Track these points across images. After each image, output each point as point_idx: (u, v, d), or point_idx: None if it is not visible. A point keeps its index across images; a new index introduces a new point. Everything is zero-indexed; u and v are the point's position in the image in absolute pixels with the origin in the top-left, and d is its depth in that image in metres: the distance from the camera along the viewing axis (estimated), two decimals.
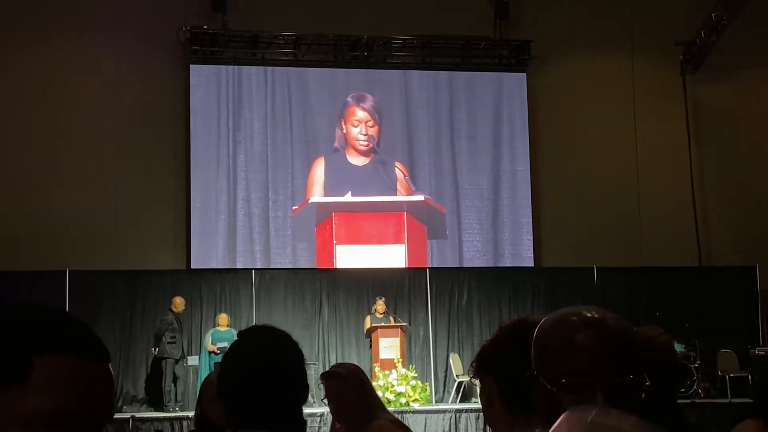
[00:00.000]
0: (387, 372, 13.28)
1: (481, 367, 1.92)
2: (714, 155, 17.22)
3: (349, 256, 15.63)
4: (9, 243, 14.67)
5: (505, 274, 15.93)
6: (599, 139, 16.80)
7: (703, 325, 14.98)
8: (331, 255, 15.61)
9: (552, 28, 16.73)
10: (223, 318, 14.12)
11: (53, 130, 15.33)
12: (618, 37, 17.04)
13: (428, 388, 13.94)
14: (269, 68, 16.08)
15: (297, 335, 2.34)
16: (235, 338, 2.33)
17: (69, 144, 15.33)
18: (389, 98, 16.34)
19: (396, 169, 16.05)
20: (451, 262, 16.05)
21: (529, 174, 16.45)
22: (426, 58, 16.69)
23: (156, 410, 13.72)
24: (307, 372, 2.28)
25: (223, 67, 15.90)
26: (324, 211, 15.71)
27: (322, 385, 4.02)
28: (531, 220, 16.35)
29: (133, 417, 12.55)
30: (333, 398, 3.95)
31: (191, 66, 15.76)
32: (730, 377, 14.45)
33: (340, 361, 12.75)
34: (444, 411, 13.14)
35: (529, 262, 16.26)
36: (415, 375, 13.61)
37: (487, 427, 1.96)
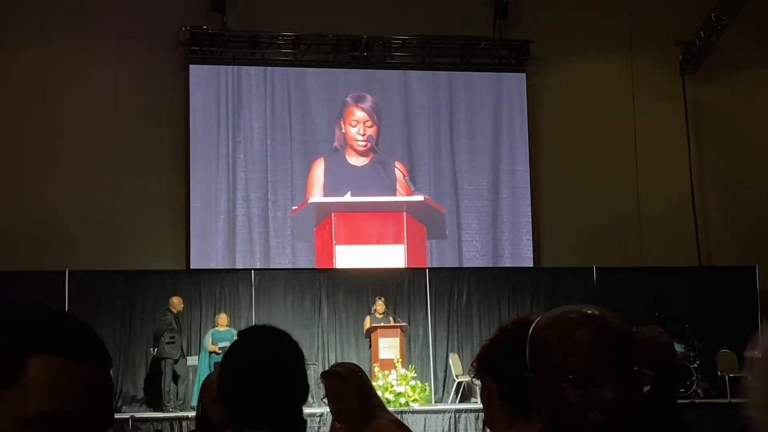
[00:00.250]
0: (386, 372, 13.28)
1: (481, 367, 1.93)
2: (713, 155, 17.23)
3: (349, 257, 15.63)
4: (8, 243, 14.67)
5: (505, 274, 15.92)
6: (599, 139, 16.80)
7: (702, 325, 14.98)
8: (330, 255, 15.61)
9: (551, 28, 16.74)
10: (223, 318, 14.11)
11: (53, 130, 15.33)
12: (617, 37, 17.04)
13: (428, 388, 13.93)
14: (269, 68, 16.08)
15: (296, 335, 2.34)
16: (235, 338, 2.33)
17: (68, 144, 15.33)
18: (389, 98, 16.34)
19: (396, 169, 16.05)
20: (450, 262, 16.05)
21: (528, 174, 16.45)
22: (425, 58, 16.69)
23: (155, 410, 13.72)
24: (307, 372, 2.28)
25: (223, 67, 15.90)
26: (323, 211, 15.71)
27: (322, 385, 4.02)
28: (530, 220, 16.36)
29: (132, 417, 12.55)
30: (333, 398, 3.95)
31: (191, 66, 15.76)
32: (729, 377, 14.44)
33: (339, 361, 12.75)
34: (443, 411, 13.14)
35: (529, 262, 16.26)
36: (415, 375, 13.61)
37: (486, 428, 1.96)
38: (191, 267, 15.29)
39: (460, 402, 14.27)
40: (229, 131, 15.74)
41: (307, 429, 2.25)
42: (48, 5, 15.42)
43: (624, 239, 16.55)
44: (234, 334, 12.39)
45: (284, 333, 2.25)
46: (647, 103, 17.03)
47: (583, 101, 16.85)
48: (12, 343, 1.06)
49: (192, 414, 12.01)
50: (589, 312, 1.49)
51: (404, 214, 15.80)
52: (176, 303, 14.05)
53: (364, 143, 16.06)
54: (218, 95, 15.77)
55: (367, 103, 16.22)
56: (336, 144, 16.05)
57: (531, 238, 16.33)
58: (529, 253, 16.29)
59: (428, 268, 15.71)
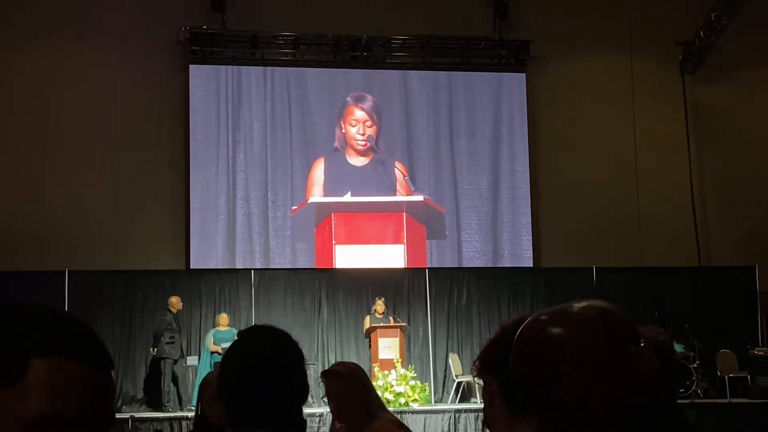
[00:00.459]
0: (386, 372, 13.28)
1: (483, 366, 1.93)
2: (713, 155, 17.23)
3: (349, 256, 15.63)
4: (8, 243, 14.67)
5: (505, 274, 15.92)
6: (599, 139, 16.80)
7: (702, 325, 14.98)
8: (330, 255, 15.61)
9: (551, 28, 16.73)
10: (224, 318, 14.11)
11: (53, 130, 15.33)
12: (617, 37, 17.04)
13: (427, 388, 13.93)
14: (269, 68, 16.07)
15: (296, 335, 2.34)
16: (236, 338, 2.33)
17: (68, 144, 15.33)
18: (388, 98, 16.34)
19: (396, 169, 16.05)
20: (450, 263, 16.05)
21: (528, 174, 16.45)
22: (425, 58, 16.69)
23: (155, 410, 13.72)
24: (307, 372, 2.28)
25: (223, 67, 15.90)
26: (323, 211, 15.71)
27: (322, 384, 4.02)
28: (530, 220, 16.35)
29: (132, 417, 12.56)
30: (333, 397, 3.95)
31: (191, 66, 15.76)
32: (729, 377, 14.46)
33: (339, 360, 12.75)
34: (443, 411, 13.14)
35: (529, 262, 16.26)
36: (415, 375, 13.61)
37: (485, 428, 1.96)
38: (191, 267, 15.29)
39: (459, 402, 14.27)
40: (229, 131, 15.74)
41: (307, 429, 2.25)
42: (48, 5, 15.42)
43: (624, 239, 16.55)
44: (235, 334, 12.39)
45: (284, 333, 2.25)
46: (647, 103, 17.03)
47: (583, 101, 16.85)
48: (14, 343, 1.06)
49: (191, 414, 12.02)
50: (591, 307, 1.45)
51: (404, 214, 15.80)
52: (175, 303, 14.05)
53: (363, 143, 16.06)
54: (218, 95, 15.77)
55: (368, 103, 16.22)
56: (336, 144, 16.05)
57: (531, 238, 16.33)
58: (529, 253, 16.29)
59: (428, 268, 15.71)
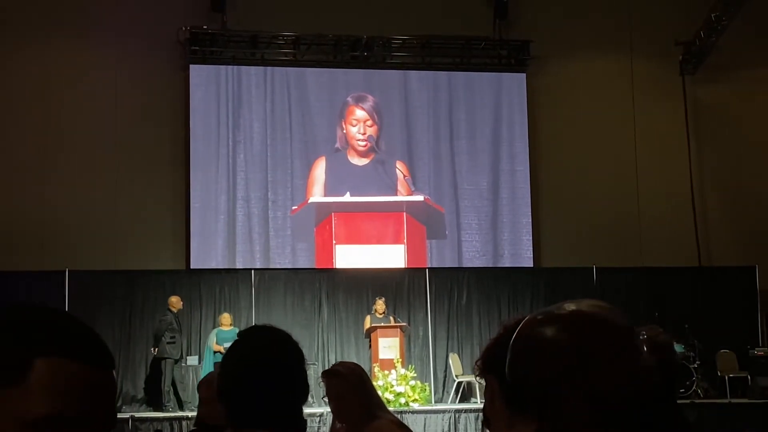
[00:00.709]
0: (386, 372, 13.28)
1: (484, 365, 1.93)
2: (713, 155, 17.23)
3: (349, 256, 15.63)
4: (8, 243, 14.67)
5: (505, 274, 15.92)
6: (599, 140, 16.80)
7: (702, 325, 14.98)
8: (330, 255, 15.61)
9: (551, 28, 16.74)
10: (226, 318, 14.11)
11: (53, 130, 15.33)
12: (617, 37, 17.04)
13: (427, 388, 13.94)
14: (269, 68, 16.08)
15: (296, 335, 2.34)
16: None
17: (69, 144, 15.33)
18: (389, 98, 16.34)
19: (397, 169, 16.05)
20: (450, 263, 16.05)
21: (528, 174, 16.45)
22: (425, 58, 16.69)
23: (155, 410, 13.72)
24: (307, 372, 2.28)
25: (223, 67, 15.90)
26: (323, 211, 15.71)
27: (322, 384, 4.02)
28: (530, 220, 16.35)
29: (132, 417, 12.57)
30: (333, 397, 3.95)
31: (191, 66, 15.76)
32: (729, 377, 14.46)
33: (339, 360, 12.75)
34: (443, 411, 13.14)
35: (529, 263, 16.26)
36: (415, 375, 13.61)
37: (485, 427, 1.96)
38: (191, 267, 15.29)
39: (460, 402, 14.27)
40: (229, 131, 15.74)
41: (308, 429, 2.25)
42: (48, 5, 15.42)
43: (624, 239, 16.55)
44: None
45: (284, 333, 2.25)
46: (647, 103, 17.03)
47: (583, 101, 16.85)
48: (15, 344, 1.05)
49: (191, 414, 12.02)
50: (586, 306, 1.44)
51: (404, 214, 15.80)
52: (175, 302, 14.05)
53: (364, 143, 16.06)
54: (218, 95, 15.78)
55: (368, 102, 16.22)
56: (338, 144, 16.05)
57: (531, 238, 16.33)
58: (529, 253, 16.29)
59: (428, 268, 15.71)
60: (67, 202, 15.15)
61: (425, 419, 12.89)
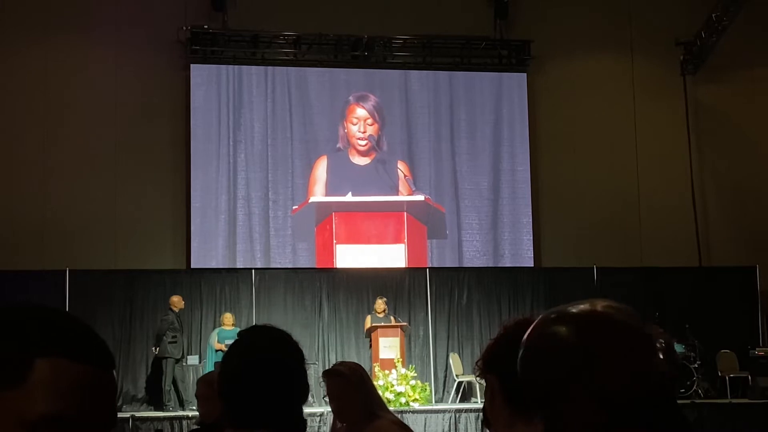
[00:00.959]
0: (387, 372, 13.28)
1: (484, 366, 1.94)
2: (714, 155, 17.23)
3: (349, 256, 15.63)
4: (8, 243, 14.67)
5: (505, 274, 15.92)
6: (599, 139, 16.80)
7: (702, 325, 14.98)
8: (331, 255, 15.61)
9: (552, 28, 16.74)
10: (228, 317, 14.11)
11: (53, 129, 15.33)
12: (618, 37, 17.05)
13: (428, 387, 13.93)
14: (269, 68, 16.08)
15: (297, 335, 2.34)
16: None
17: (69, 143, 15.33)
18: (389, 98, 16.34)
19: (398, 169, 16.05)
20: (450, 262, 16.05)
21: (529, 174, 16.45)
22: (426, 58, 16.69)
23: (156, 410, 13.73)
24: (307, 371, 2.28)
25: (224, 66, 15.90)
26: (324, 210, 15.71)
27: (323, 384, 4.02)
28: (531, 220, 16.36)
29: (133, 416, 12.57)
30: (334, 397, 3.95)
31: (192, 65, 15.77)
32: (729, 378, 14.45)
33: (340, 360, 12.75)
34: (444, 411, 13.14)
35: (529, 262, 16.26)
36: (415, 375, 13.61)
37: (485, 427, 1.97)
38: (192, 266, 15.30)
39: (460, 402, 14.27)
40: (230, 131, 15.74)
41: (308, 428, 2.24)
42: (48, 4, 15.42)
43: (624, 239, 16.55)
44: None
45: (284, 332, 2.25)
46: (648, 103, 17.04)
47: (583, 101, 16.86)
48: (15, 344, 1.05)
49: (192, 413, 12.02)
50: (602, 307, 1.44)
51: (405, 213, 15.80)
52: (176, 302, 14.05)
53: (364, 142, 16.06)
54: (219, 95, 15.78)
55: (369, 102, 16.22)
56: (339, 144, 16.05)
57: (531, 237, 16.33)
58: (530, 253, 16.29)
59: (428, 268, 15.71)
60: (67, 202, 15.15)
61: (426, 419, 12.88)
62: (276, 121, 15.92)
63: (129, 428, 12.26)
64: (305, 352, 2.29)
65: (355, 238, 15.69)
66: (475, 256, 16.16)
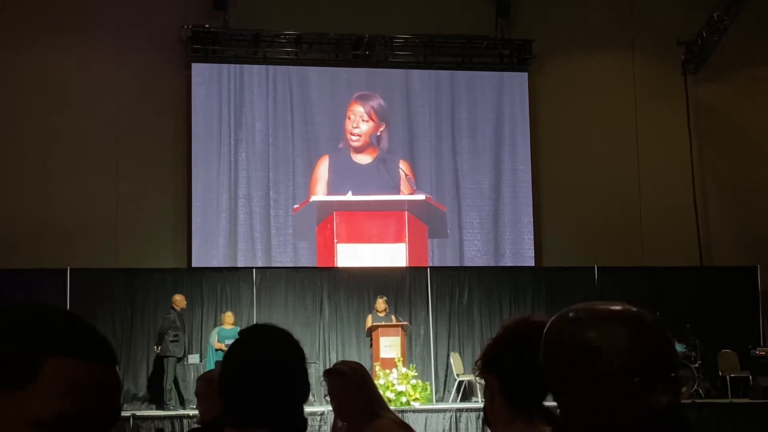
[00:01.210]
0: (387, 371, 13.28)
1: (484, 365, 1.94)
2: (715, 155, 17.22)
3: (350, 255, 15.63)
4: (9, 241, 14.67)
5: (506, 274, 15.92)
6: (600, 139, 16.80)
7: (703, 325, 14.97)
8: (332, 254, 15.61)
9: (553, 27, 16.73)
10: (229, 316, 14.12)
11: (54, 128, 15.33)
12: (619, 37, 17.04)
13: (429, 387, 13.94)
14: (271, 67, 16.08)
15: (298, 334, 2.34)
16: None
17: (70, 142, 15.33)
18: (391, 97, 16.34)
19: (400, 169, 16.05)
20: (451, 262, 16.05)
21: (530, 173, 16.45)
22: (427, 57, 16.69)
23: (157, 408, 13.73)
24: (308, 371, 2.28)
25: (225, 65, 15.90)
26: (325, 209, 15.71)
27: (324, 383, 4.03)
28: (532, 219, 16.35)
29: (133, 415, 12.57)
30: (335, 396, 3.96)
31: (193, 64, 15.77)
32: (730, 377, 14.46)
33: (341, 359, 12.75)
34: (444, 410, 13.14)
35: (530, 262, 16.26)
36: (416, 374, 13.61)
37: (486, 426, 1.97)
38: (192, 265, 15.30)
39: (461, 401, 14.27)
40: (231, 130, 15.75)
41: (309, 427, 2.24)
42: (48, 4, 15.41)
43: (625, 239, 16.54)
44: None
45: (285, 331, 2.26)
46: (649, 102, 17.03)
47: (584, 100, 16.85)
48: (25, 344, 1.06)
49: (193, 412, 12.03)
50: (627, 310, 1.46)
51: (406, 213, 15.80)
52: (179, 301, 14.06)
53: (356, 137, 16.03)
54: (220, 94, 15.78)
55: (369, 100, 16.22)
56: (342, 143, 16.05)
57: (532, 237, 16.32)
58: (531, 253, 16.28)
59: (429, 267, 15.71)
60: (68, 201, 15.15)
61: (426, 418, 12.89)
62: (277, 120, 15.92)
63: (130, 427, 12.26)
64: (306, 351, 2.29)
65: (356, 237, 15.69)
66: (476, 256, 16.15)
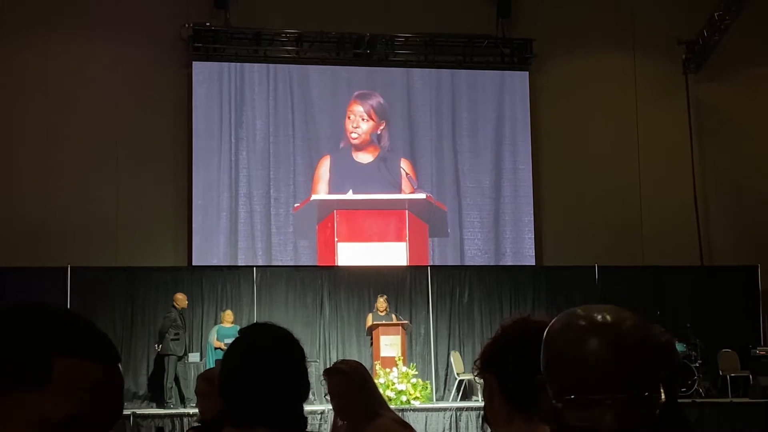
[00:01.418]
0: (388, 370, 13.28)
1: (483, 365, 1.94)
2: (716, 154, 17.22)
3: (351, 254, 15.63)
4: (10, 239, 14.67)
5: (507, 273, 15.93)
6: (601, 138, 16.79)
7: (704, 324, 14.98)
8: (332, 252, 15.61)
9: (554, 26, 16.73)
10: (228, 315, 14.13)
11: (55, 126, 15.33)
12: (620, 36, 17.03)
13: (429, 386, 13.94)
14: (271, 65, 16.08)
15: (298, 333, 2.35)
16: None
17: (70, 140, 15.33)
18: (391, 96, 16.34)
19: (401, 168, 16.05)
20: (452, 261, 16.05)
21: (530, 172, 16.44)
22: (428, 56, 16.69)
23: (157, 407, 13.74)
24: (308, 369, 2.28)
25: (226, 64, 15.90)
26: (326, 208, 15.71)
27: (324, 382, 4.03)
28: (532, 218, 16.35)
29: (134, 413, 12.57)
30: (335, 395, 3.96)
31: (194, 63, 15.77)
32: (730, 377, 14.46)
33: (341, 358, 12.75)
34: (445, 409, 13.14)
35: (531, 261, 16.25)
36: (416, 373, 13.61)
37: (485, 425, 1.97)
38: (193, 264, 15.30)
39: (461, 400, 14.28)
40: (232, 128, 15.75)
41: (309, 426, 2.24)
42: (49, 3, 15.39)
43: (626, 238, 16.54)
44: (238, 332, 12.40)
45: (285, 330, 2.26)
46: (650, 101, 17.03)
47: (585, 100, 16.85)
48: (35, 346, 1.06)
49: (193, 411, 12.03)
50: (603, 320, 1.39)
51: (406, 211, 15.80)
52: (181, 299, 14.06)
53: (356, 135, 16.04)
54: (221, 92, 15.78)
55: (369, 99, 16.22)
56: (343, 142, 16.05)
57: (533, 236, 16.32)
58: (531, 252, 16.28)
59: (430, 266, 15.71)
60: (68, 199, 15.15)
61: (426, 417, 12.89)
62: (278, 118, 15.92)
63: (130, 425, 12.26)
64: (306, 349, 2.30)
65: (356, 235, 15.70)
66: (476, 255, 16.15)
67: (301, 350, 2.24)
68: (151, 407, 13.89)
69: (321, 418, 12.23)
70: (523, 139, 16.50)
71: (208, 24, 15.81)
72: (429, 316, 15.36)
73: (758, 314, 16.07)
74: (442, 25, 16.46)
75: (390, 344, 13.75)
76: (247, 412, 2.13)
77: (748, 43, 17.12)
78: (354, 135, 16.05)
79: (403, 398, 13.10)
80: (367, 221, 15.77)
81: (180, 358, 13.84)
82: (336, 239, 15.60)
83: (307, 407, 2.26)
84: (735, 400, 14.02)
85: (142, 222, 15.34)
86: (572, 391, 1.37)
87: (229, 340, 12.95)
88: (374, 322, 14.03)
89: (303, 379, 2.20)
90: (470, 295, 15.59)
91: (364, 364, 4.33)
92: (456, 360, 14.76)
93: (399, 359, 13.45)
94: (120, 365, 1.14)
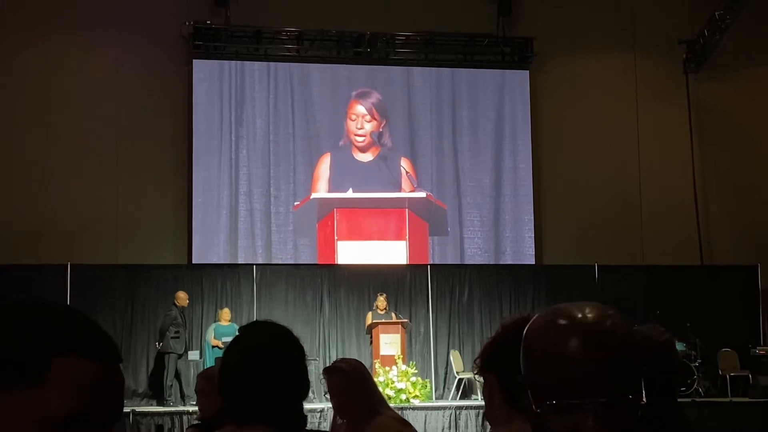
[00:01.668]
0: (387, 368, 13.29)
1: (483, 364, 1.95)
2: (716, 154, 17.22)
3: (351, 252, 15.63)
4: (10, 237, 14.67)
5: (507, 272, 15.93)
6: (601, 137, 16.79)
7: (703, 323, 14.98)
8: (332, 251, 15.61)
9: (555, 25, 16.73)
10: (226, 313, 14.13)
11: (54, 124, 15.33)
12: (621, 35, 17.03)
13: (428, 384, 13.94)
14: (272, 64, 16.08)
15: (298, 331, 2.34)
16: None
17: (71, 138, 15.33)
18: (392, 95, 16.34)
19: (401, 167, 16.05)
20: (452, 259, 16.05)
21: (531, 171, 16.45)
22: (429, 55, 16.69)
23: (157, 405, 13.74)
24: (308, 368, 2.28)
25: (226, 62, 15.90)
26: (325, 207, 15.72)
27: (323, 380, 4.03)
28: (532, 217, 16.35)
29: (133, 411, 12.57)
30: (335, 393, 3.96)
31: (194, 61, 15.77)
32: (730, 376, 14.45)
33: (340, 357, 12.75)
34: (444, 408, 13.15)
35: (531, 260, 16.26)
36: (416, 371, 13.62)
37: (486, 424, 1.98)
38: (193, 262, 15.30)
39: (460, 399, 14.28)
40: (232, 126, 15.75)
41: (308, 424, 2.24)
42: (49, 2, 15.38)
43: (626, 237, 16.54)
44: (236, 329, 12.40)
45: (285, 328, 2.26)
46: (650, 101, 17.02)
47: (585, 99, 16.85)
48: (34, 344, 1.06)
49: (192, 409, 12.03)
50: (585, 318, 1.36)
51: (406, 210, 15.80)
52: (182, 297, 14.05)
53: (362, 138, 16.05)
54: (221, 90, 15.78)
55: (370, 98, 16.22)
56: (343, 141, 16.06)
57: (533, 235, 16.32)
58: (531, 251, 16.28)
59: (430, 265, 15.71)
60: (68, 196, 15.15)
61: (426, 416, 12.89)
62: (278, 117, 15.92)
63: (130, 423, 12.26)
64: (306, 348, 2.29)
65: (356, 234, 15.70)
66: (476, 254, 16.15)
67: (301, 348, 2.24)
68: (151, 405, 13.89)
69: (321, 417, 12.23)
70: (524, 138, 16.51)
71: (208, 22, 15.81)
72: (429, 315, 15.36)
73: (758, 314, 16.08)
74: (442, 23, 16.46)
75: (389, 343, 13.75)
76: (247, 410, 2.13)
77: (748, 43, 17.12)
78: (359, 137, 16.04)
79: (403, 397, 13.10)
80: (367, 220, 15.77)
81: (180, 356, 13.85)
82: (336, 237, 15.60)
83: (306, 405, 2.26)
84: (735, 399, 14.02)
85: (142, 221, 15.34)
86: (553, 395, 1.35)
87: (227, 338, 13.02)
88: (374, 321, 14.03)
89: (303, 377, 2.20)
90: (470, 294, 15.59)
91: (363, 362, 4.33)
92: (455, 359, 14.76)
93: (398, 358, 13.46)
94: (121, 364, 1.14)
